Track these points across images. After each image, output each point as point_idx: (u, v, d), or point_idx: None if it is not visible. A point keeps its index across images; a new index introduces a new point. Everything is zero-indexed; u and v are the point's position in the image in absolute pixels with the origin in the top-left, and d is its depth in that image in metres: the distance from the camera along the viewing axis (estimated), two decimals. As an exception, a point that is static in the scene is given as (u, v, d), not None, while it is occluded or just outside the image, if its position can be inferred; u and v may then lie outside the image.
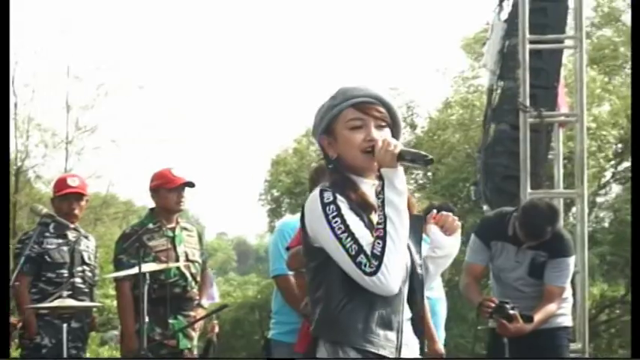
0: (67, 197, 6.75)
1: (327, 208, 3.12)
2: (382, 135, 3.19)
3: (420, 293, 3.26)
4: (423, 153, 3.21)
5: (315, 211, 3.14)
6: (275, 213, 28.65)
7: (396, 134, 3.27)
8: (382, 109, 3.24)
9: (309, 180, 6.46)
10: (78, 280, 6.67)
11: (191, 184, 6.76)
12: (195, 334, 6.79)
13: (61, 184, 6.87)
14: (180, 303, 6.62)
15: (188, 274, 6.67)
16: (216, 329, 7.41)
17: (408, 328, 3.23)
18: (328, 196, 3.14)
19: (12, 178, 25.43)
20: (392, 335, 3.15)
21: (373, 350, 3.11)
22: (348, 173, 3.24)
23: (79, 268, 6.70)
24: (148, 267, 6.24)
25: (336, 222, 3.09)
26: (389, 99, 3.28)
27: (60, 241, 6.67)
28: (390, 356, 3.12)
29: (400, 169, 3.13)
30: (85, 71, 26.49)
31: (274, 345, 5.90)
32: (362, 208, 3.16)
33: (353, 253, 3.05)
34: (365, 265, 3.04)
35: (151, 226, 6.62)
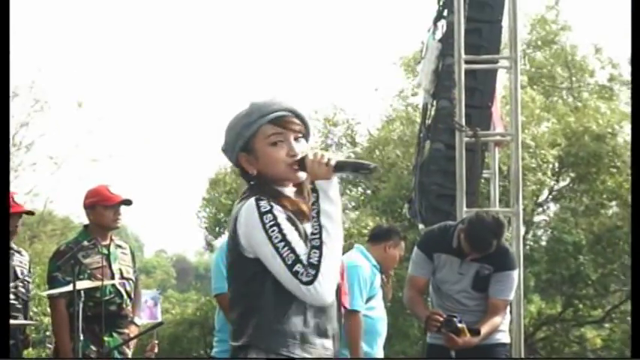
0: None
1: (264, 217, 3.10)
2: (300, 147, 3.24)
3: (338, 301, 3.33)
4: (364, 162, 3.24)
5: (252, 221, 3.12)
6: (213, 231, 28.59)
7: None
8: (298, 122, 3.27)
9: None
10: (11, 296, 6.61)
11: (128, 202, 6.75)
12: (129, 352, 6.77)
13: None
14: (115, 320, 6.60)
15: (123, 292, 6.66)
16: (156, 349, 7.40)
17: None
18: (265, 205, 3.12)
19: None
20: (328, 343, 3.19)
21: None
22: (272, 185, 3.24)
23: (12, 284, 6.63)
24: (83, 284, 6.22)
25: (273, 231, 3.09)
26: (301, 110, 3.29)
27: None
28: None
29: (334, 180, 3.14)
30: (22, 87, 26.27)
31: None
32: (296, 217, 3.18)
33: (290, 262, 3.06)
34: (302, 275, 3.04)
35: (85, 243, 6.59)
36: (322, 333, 3.18)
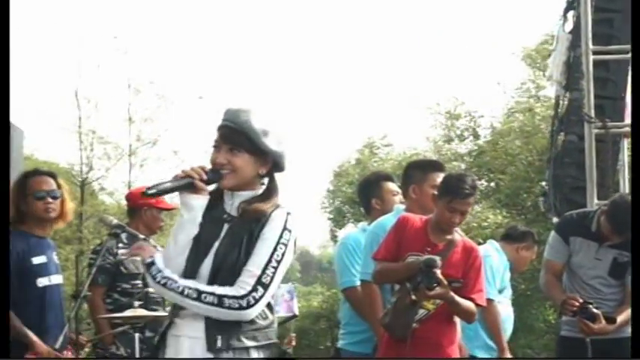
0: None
1: None
2: (232, 159, 3.64)
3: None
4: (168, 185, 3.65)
5: None
6: (338, 223, 28.67)
7: (264, 159, 3.68)
8: (237, 135, 3.65)
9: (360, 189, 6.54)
10: (151, 289, 6.75)
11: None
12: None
13: (135, 196, 6.94)
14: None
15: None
16: (293, 342, 7.44)
17: (190, 319, 3.61)
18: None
19: (77, 190, 25.79)
20: (166, 324, 3.74)
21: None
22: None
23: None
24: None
25: None
26: (252, 124, 3.63)
27: (134, 251, 6.73)
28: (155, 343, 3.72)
29: (186, 195, 3.64)
30: (145, 84, 26.82)
31: (344, 354, 5.96)
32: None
33: None
34: None
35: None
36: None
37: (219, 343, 3.52)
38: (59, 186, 5.62)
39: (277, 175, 3.77)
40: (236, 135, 3.60)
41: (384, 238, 5.30)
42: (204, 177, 3.60)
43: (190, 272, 3.59)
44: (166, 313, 7.20)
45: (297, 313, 7.42)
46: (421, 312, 5.03)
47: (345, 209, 28.11)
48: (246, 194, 3.68)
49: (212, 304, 3.52)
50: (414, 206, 5.60)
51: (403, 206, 5.79)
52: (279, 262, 3.56)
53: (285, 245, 3.58)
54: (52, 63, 51.76)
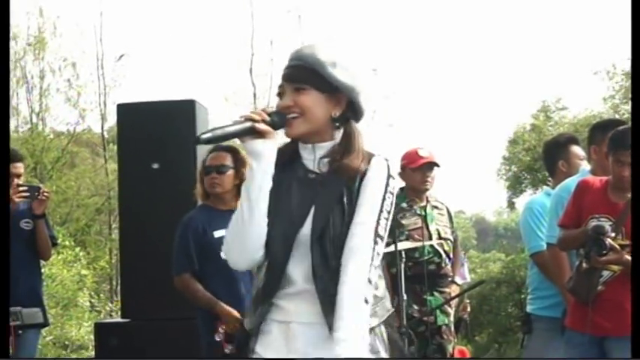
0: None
1: None
2: (301, 101, 2.97)
3: (326, 264, 2.94)
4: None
5: None
6: (515, 190, 28.30)
7: (337, 97, 3.02)
8: (301, 71, 2.99)
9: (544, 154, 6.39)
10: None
11: (434, 165, 6.76)
12: (451, 311, 6.80)
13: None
14: (435, 280, 6.65)
15: (442, 251, 6.70)
16: (468, 308, 7.40)
17: (304, 304, 2.96)
18: None
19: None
20: (262, 309, 3.00)
21: (245, 327, 3.07)
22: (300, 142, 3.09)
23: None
24: (404, 245, 6.32)
25: None
26: (317, 56, 2.99)
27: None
28: (251, 330, 3.03)
29: (252, 143, 2.89)
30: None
31: (534, 319, 5.88)
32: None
33: None
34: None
35: (403, 205, 6.67)
36: (258, 299, 3.03)
37: None
38: (236, 161, 5.65)
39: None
40: (300, 71, 2.99)
41: (566, 205, 5.19)
42: (267, 119, 2.90)
43: (283, 240, 2.96)
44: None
45: (468, 279, 7.32)
46: (606, 274, 4.90)
47: (522, 176, 27.69)
48: (326, 145, 3.05)
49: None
50: (596, 167, 5.49)
51: (589, 167, 5.66)
52: (389, 212, 2.98)
53: (392, 194, 3.01)
54: (227, 39, 52.88)
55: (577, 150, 6.13)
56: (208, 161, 5.61)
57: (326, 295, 2.91)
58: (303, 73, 2.97)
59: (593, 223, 4.87)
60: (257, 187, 2.89)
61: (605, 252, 4.72)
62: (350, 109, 3.06)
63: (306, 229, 2.96)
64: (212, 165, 5.56)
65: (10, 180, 6.47)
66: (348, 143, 3.04)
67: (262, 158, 2.89)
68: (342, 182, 2.99)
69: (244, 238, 2.92)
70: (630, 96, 6.22)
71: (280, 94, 3.02)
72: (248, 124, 2.87)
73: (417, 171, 6.69)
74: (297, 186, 3.02)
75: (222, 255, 3.00)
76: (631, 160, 4.80)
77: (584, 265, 4.88)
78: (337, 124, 3.05)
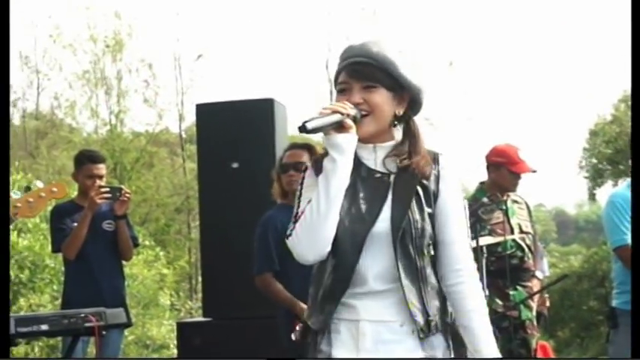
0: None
1: (306, 171, 3.06)
2: (371, 97, 2.96)
3: (413, 265, 2.94)
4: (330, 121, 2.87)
5: None
6: (595, 182, 27.93)
7: (401, 94, 3.03)
8: (371, 69, 2.97)
9: None
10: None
11: (534, 171, 6.71)
12: (534, 305, 6.73)
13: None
14: (518, 274, 6.59)
15: (524, 246, 6.64)
16: (547, 303, 7.32)
17: (378, 305, 2.95)
18: (312, 161, 3.11)
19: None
20: (328, 307, 2.96)
21: (311, 326, 3.00)
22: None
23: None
24: (485, 240, 6.28)
25: (301, 185, 3.04)
26: (385, 55, 3.00)
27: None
28: (317, 327, 2.98)
29: (336, 137, 2.88)
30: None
31: (620, 313, 5.78)
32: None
33: (293, 214, 2.99)
34: (289, 229, 2.98)
35: (485, 200, 6.61)
36: (327, 298, 2.98)
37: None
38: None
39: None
40: (370, 69, 2.98)
41: None
42: (352, 113, 2.91)
43: (352, 238, 2.93)
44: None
45: (547, 273, 7.23)
46: None
47: (603, 167, 27.31)
48: (388, 145, 3.06)
49: None
50: None
51: None
52: (299, 196, 3.05)
53: (301, 182, 3.08)
54: (303, 37, 53.01)
55: None
56: (285, 159, 5.61)
57: (411, 294, 2.92)
58: (374, 72, 2.97)
59: None
60: (337, 181, 2.89)
61: None
62: (411, 108, 3.08)
63: (380, 227, 2.93)
64: (289, 162, 5.56)
65: (92, 181, 6.55)
66: (415, 142, 3.06)
67: (346, 152, 2.89)
68: (416, 181, 2.99)
69: (318, 232, 2.90)
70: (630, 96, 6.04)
71: (344, 90, 3.00)
72: (337, 116, 2.86)
73: (514, 174, 6.63)
74: (363, 185, 3.00)
75: (288, 245, 3.00)
76: (631, 160, 4.71)
77: None
78: (396, 122, 3.06)
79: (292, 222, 2.97)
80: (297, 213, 2.97)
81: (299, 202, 2.99)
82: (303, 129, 2.79)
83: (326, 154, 2.93)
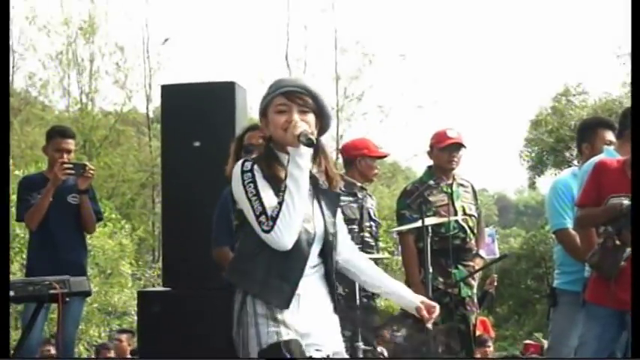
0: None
1: (244, 175, 3.44)
2: (305, 119, 3.48)
3: (330, 255, 3.58)
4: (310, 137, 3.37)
5: (235, 177, 3.47)
6: (537, 171, 28.11)
7: (321, 120, 3.57)
8: (306, 98, 3.51)
9: None
10: (366, 234, 6.76)
11: (462, 145, 6.70)
12: (474, 283, 6.77)
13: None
14: (460, 254, 6.61)
15: (466, 227, 6.66)
16: (495, 283, 7.35)
17: (311, 283, 3.51)
18: (247, 165, 3.46)
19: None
20: (286, 287, 3.42)
21: (264, 298, 3.41)
22: (275, 149, 3.55)
23: (367, 224, 6.78)
24: (430, 220, 6.29)
25: (249, 187, 3.42)
26: (315, 89, 3.55)
27: (351, 198, 6.72)
28: (280, 304, 3.41)
29: (303, 148, 3.37)
30: (351, 43, 27.12)
31: (560, 293, 5.85)
32: (274, 179, 3.45)
33: (257, 213, 3.38)
34: (263, 224, 3.35)
35: (431, 182, 6.62)
36: (283, 277, 3.42)
37: None
38: None
39: None
40: (305, 97, 3.53)
41: (583, 185, 5.14)
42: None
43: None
44: (381, 255, 7.30)
45: (497, 254, 7.28)
46: (628, 250, 4.83)
47: (545, 156, 27.50)
48: None
49: None
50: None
51: (612, 148, 5.56)
52: (256, 194, 3.49)
53: (250, 182, 3.53)
54: (263, 27, 52.82)
55: (604, 134, 5.93)
56: (248, 140, 5.55)
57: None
58: (307, 100, 3.53)
59: (625, 202, 4.80)
60: (305, 183, 3.39)
61: None
62: (321, 130, 3.64)
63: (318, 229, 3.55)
64: (255, 144, 5.51)
65: (60, 155, 6.49)
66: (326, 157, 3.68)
67: (307, 162, 3.43)
68: (329, 194, 3.68)
69: (296, 224, 3.38)
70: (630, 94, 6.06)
71: (284, 112, 3.50)
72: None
73: (444, 151, 6.65)
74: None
75: (267, 237, 3.34)
76: (631, 161, 4.75)
77: (611, 242, 4.82)
78: None
79: (266, 219, 3.35)
80: (262, 210, 3.37)
81: (259, 200, 3.40)
82: (313, 143, 3.36)
83: (269, 159, 3.51)
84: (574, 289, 5.56)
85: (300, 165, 3.38)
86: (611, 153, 5.40)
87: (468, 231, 6.65)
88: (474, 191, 6.97)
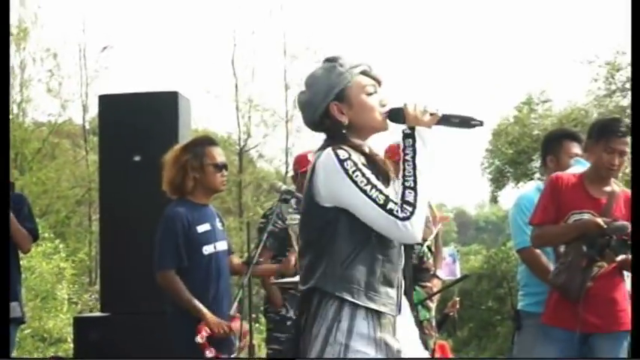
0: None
1: (345, 164, 3.16)
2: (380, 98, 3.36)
3: (408, 254, 3.60)
4: (469, 116, 3.36)
5: (332, 169, 3.17)
6: (498, 184, 28.27)
7: None
8: (377, 75, 3.40)
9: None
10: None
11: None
12: (433, 305, 6.77)
13: (303, 160, 6.84)
14: (417, 274, 6.60)
15: (424, 246, 6.66)
16: (457, 306, 7.36)
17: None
18: (343, 153, 3.18)
19: (235, 159, 26.23)
20: (392, 292, 3.22)
21: (375, 307, 3.16)
22: (353, 138, 3.31)
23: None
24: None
25: (357, 176, 3.14)
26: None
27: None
28: (391, 313, 3.19)
29: (432, 131, 3.30)
30: (301, 50, 27.15)
31: (524, 316, 5.85)
32: (372, 166, 3.24)
33: (381, 202, 3.10)
34: (397, 211, 3.08)
35: None
36: (387, 282, 3.21)
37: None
38: None
39: None
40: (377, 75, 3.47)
41: (539, 201, 5.16)
42: None
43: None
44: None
45: (459, 275, 7.30)
46: (595, 270, 4.88)
47: (505, 169, 27.67)
48: None
49: None
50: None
51: (583, 159, 5.59)
52: (368, 182, 3.29)
53: (355, 170, 3.33)
54: (208, 32, 52.69)
55: (570, 146, 5.93)
56: (218, 157, 5.48)
57: None
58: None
59: (575, 218, 4.83)
60: (432, 164, 3.27)
61: (628, 251, 4.70)
62: None
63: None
64: (222, 162, 5.47)
65: None
66: None
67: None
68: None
69: (425, 212, 3.17)
70: (629, 92, 6.16)
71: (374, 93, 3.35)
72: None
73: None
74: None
75: (403, 226, 3.09)
76: (631, 161, 4.79)
77: (585, 262, 4.84)
78: None
79: (396, 206, 3.09)
80: (386, 198, 3.11)
81: (376, 188, 3.13)
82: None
83: (354, 146, 3.25)
84: (540, 310, 5.57)
85: (430, 149, 3.25)
86: (582, 163, 5.42)
87: (425, 249, 6.66)
88: (430, 207, 6.96)
